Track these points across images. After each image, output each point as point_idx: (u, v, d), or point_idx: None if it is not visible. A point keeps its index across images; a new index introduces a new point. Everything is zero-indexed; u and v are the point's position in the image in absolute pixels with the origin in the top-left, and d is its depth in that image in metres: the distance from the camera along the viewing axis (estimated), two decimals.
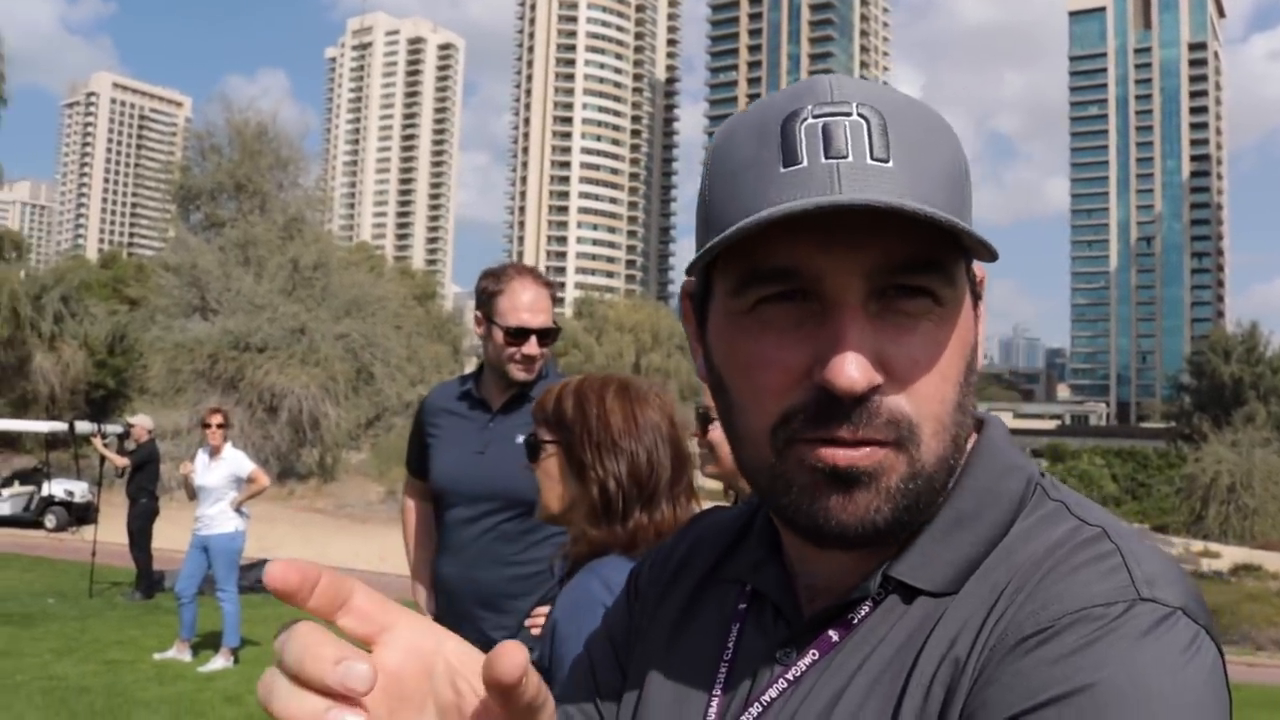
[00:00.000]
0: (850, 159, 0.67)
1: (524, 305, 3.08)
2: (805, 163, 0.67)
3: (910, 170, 0.67)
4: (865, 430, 0.69)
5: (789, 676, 0.75)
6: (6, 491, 24.70)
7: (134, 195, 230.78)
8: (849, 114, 0.68)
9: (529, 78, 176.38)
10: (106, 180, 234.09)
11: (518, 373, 3.12)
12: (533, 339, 3.08)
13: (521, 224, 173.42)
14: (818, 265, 0.68)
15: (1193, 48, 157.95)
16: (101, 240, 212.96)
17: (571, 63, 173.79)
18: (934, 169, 0.69)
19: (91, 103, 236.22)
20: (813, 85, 0.71)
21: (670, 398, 1.99)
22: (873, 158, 0.67)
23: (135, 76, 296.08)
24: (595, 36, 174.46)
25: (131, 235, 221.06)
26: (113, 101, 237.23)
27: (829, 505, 0.71)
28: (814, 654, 0.75)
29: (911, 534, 0.74)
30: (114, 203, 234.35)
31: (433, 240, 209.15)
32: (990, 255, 0.71)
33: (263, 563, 13.33)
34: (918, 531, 0.74)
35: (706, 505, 1.23)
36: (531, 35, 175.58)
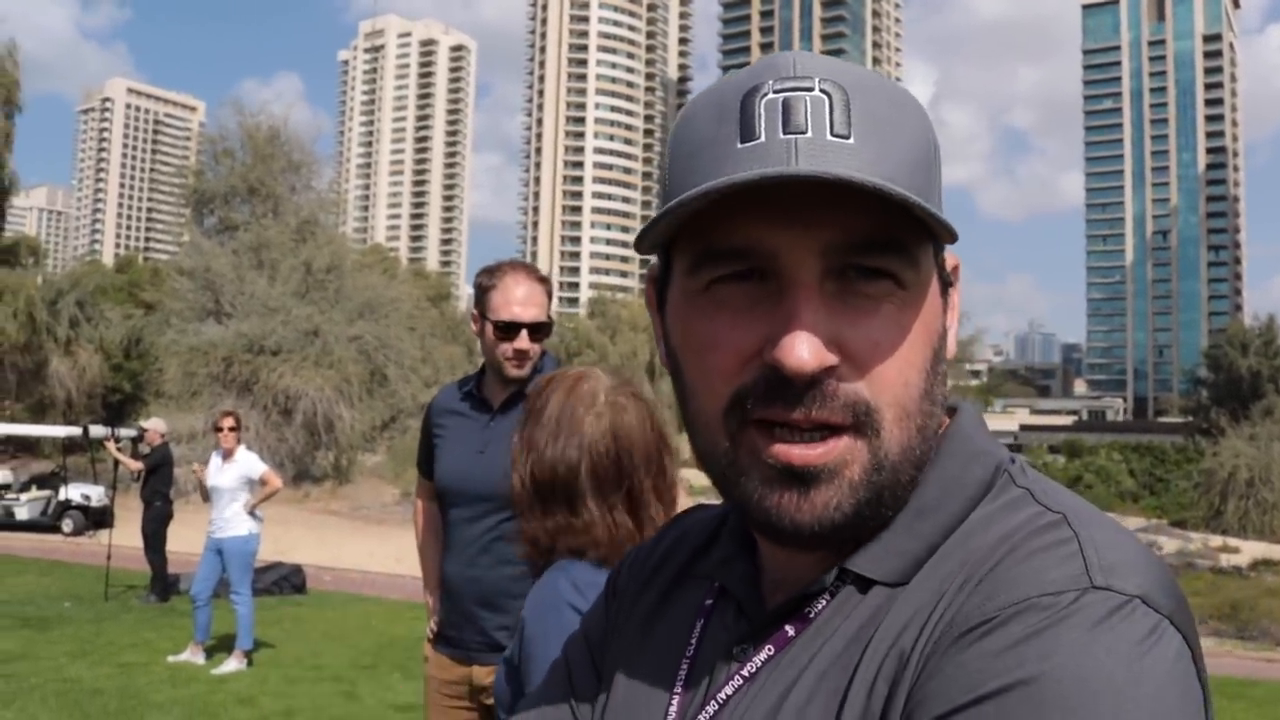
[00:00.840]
0: (809, 134, 0.65)
1: (515, 299, 3.07)
2: (763, 138, 0.65)
3: (872, 147, 0.65)
4: (819, 413, 0.67)
5: (744, 673, 0.74)
6: (24, 496, 24.85)
7: (149, 200, 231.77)
8: (810, 89, 0.66)
9: (541, 78, 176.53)
10: (122, 185, 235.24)
11: (510, 368, 3.10)
12: (523, 333, 3.07)
13: (535, 224, 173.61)
14: (772, 243, 0.67)
15: (1207, 39, 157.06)
16: (117, 245, 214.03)
17: (583, 63, 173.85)
18: (898, 147, 0.66)
19: (107, 109, 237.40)
20: (774, 61, 0.69)
21: (646, 400, 1.96)
22: (833, 133, 0.65)
23: (151, 82, 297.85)
24: (607, 36, 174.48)
25: (147, 240, 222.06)
26: (127, 107, 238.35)
27: (783, 502, 0.69)
28: (769, 649, 0.73)
29: (877, 528, 0.72)
30: (129, 207, 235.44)
31: (447, 242, 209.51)
32: (950, 236, 0.68)
33: (277, 565, 13.37)
34: (883, 525, 0.71)
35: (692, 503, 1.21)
36: (543, 36, 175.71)
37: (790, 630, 0.73)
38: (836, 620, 0.71)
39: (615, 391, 1.91)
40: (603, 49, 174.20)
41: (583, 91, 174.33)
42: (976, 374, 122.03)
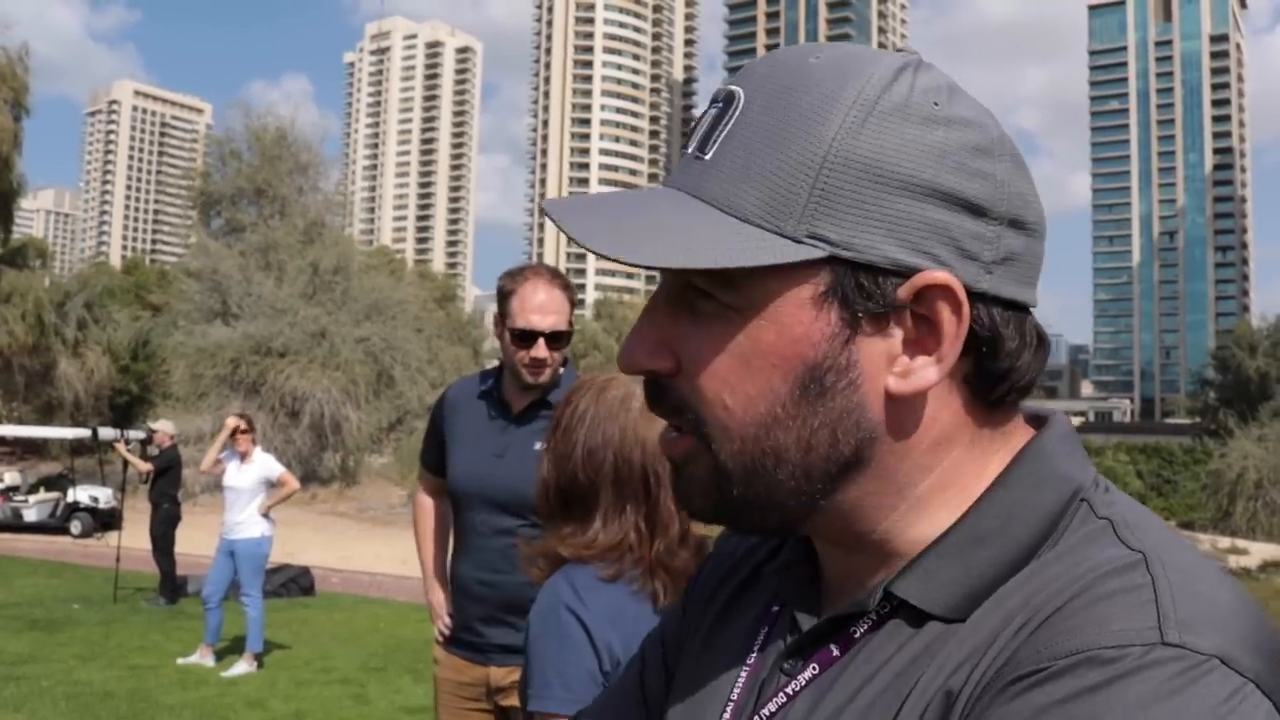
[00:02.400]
0: (690, 149, 0.68)
1: (533, 307, 3.01)
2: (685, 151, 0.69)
3: (724, 165, 0.65)
4: (656, 410, 0.71)
5: (788, 690, 0.71)
6: (33, 498, 24.88)
7: (156, 202, 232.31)
8: (718, 101, 0.68)
9: (547, 80, 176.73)
10: (129, 187, 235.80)
11: (525, 375, 3.06)
12: (540, 342, 3.01)
13: (541, 225, 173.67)
14: None
15: (1214, 39, 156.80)
16: (124, 247, 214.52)
17: (589, 64, 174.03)
18: (761, 161, 0.64)
19: (114, 111, 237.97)
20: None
21: None
22: (697, 149, 0.67)
23: (159, 84, 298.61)
24: (612, 38, 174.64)
25: (154, 241, 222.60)
26: (134, 109, 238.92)
27: (672, 485, 0.73)
28: (814, 668, 0.71)
29: (921, 549, 0.68)
30: (136, 210, 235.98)
31: (452, 243, 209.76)
32: (702, 274, 0.66)
33: (285, 568, 13.36)
34: (931, 546, 0.68)
35: None
36: (549, 37, 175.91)
37: (835, 650, 0.70)
38: (884, 651, 0.67)
39: (643, 397, 1.88)
40: (608, 50, 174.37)
41: (588, 93, 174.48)
42: None
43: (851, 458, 0.67)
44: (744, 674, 0.77)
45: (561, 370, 3.15)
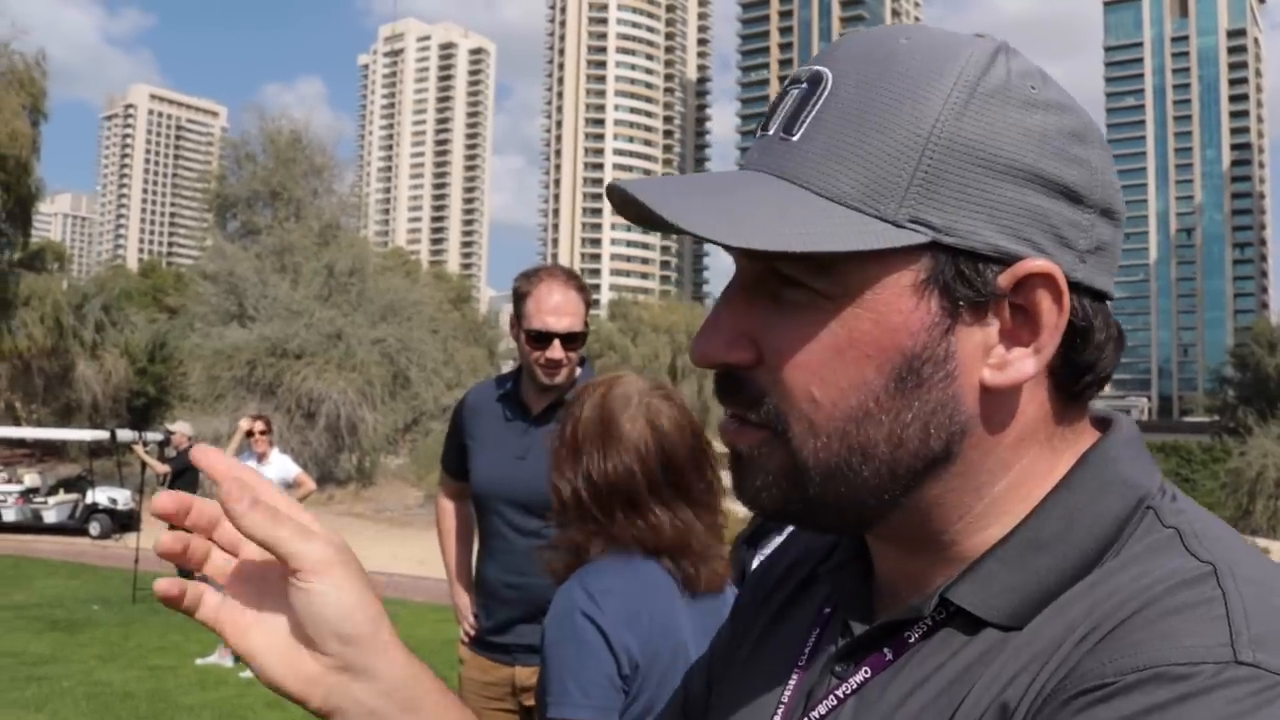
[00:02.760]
0: (770, 132, 0.65)
1: (549, 308, 3.02)
2: (758, 133, 0.67)
3: (815, 146, 0.63)
4: (730, 404, 0.68)
5: (839, 694, 0.70)
6: (52, 500, 25.05)
7: (172, 205, 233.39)
8: (801, 80, 0.65)
9: (560, 80, 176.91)
10: (145, 191, 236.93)
11: (541, 376, 3.06)
12: (556, 343, 3.02)
13: (556, 226, 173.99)
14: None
15: (1231, 35, 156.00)
16: (141, 250, 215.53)
17: (602, 64, 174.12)
18: (857, 143, 0.62)
19: (130, 115, 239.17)
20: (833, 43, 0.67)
21: (680, 401, 1.97)
22: (783, 131, 0.64)
23: (175, 88, 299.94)
24: (625, 38, 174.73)
25: (170, 244, 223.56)
26: (150, 113, 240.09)
27: (733, 478, 0.71)
28: (866, 672, 0.69)
29: (978, 552, 0.67)
30: (152, 213, 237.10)
31: (467, 244, 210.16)
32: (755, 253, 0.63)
33: None
34: (986, 551, 0.66)
35: None
36: (562, 38, 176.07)
37: (888, 654, 0.68)
38: (938, 658, 0.65)
39: (649, 394, 1.91)
40: (621, 50, 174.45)
41: (602, 93, 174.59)
42: None
43: (940, 454, 0.65)
44: (795, 677, 0.76)
45: (579, 371, 3.16)
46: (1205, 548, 0.61)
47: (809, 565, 0.85)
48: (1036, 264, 0.62)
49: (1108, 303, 0.68)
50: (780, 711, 0.75)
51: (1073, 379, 0.67)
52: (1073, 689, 0.55)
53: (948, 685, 0.63)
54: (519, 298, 3.09)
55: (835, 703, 0.70)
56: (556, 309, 3.02)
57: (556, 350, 3.02)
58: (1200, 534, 0.63)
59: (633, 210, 0.65)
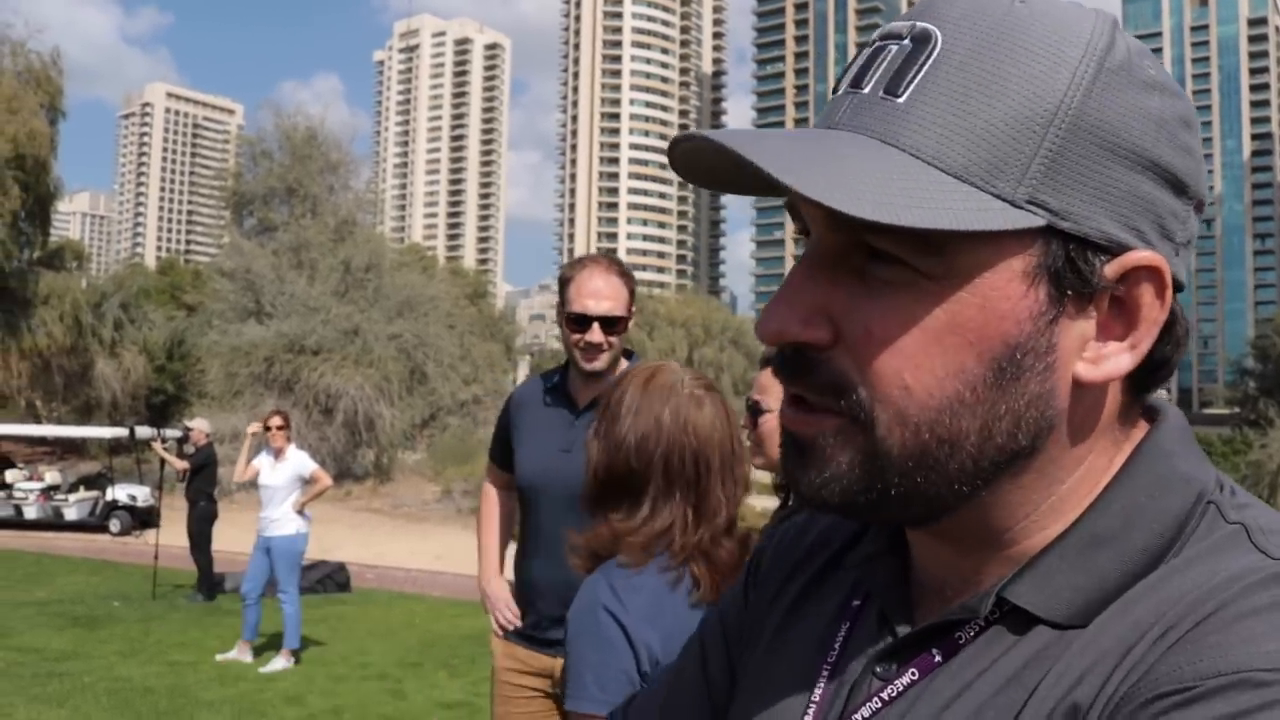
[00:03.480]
0: (865, 90, 0.60)
1: (588, 292, 3.03)
2: (841, 91, 0.61)
3: (926, 111, 0.57)
4: (797, 385, 0.62)
5: (884, 696, 0.66)
6: (72, 497, 25.18)
7: (189, 202, 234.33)
8: (903, 37, 0.60)
9: (576, 75, 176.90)
10: (162, 189, 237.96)
11: (581, 361, 3.06)
12: (595, 326, 3.02)
13: (572, 221, 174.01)
14: (802, 206, 0.62)
15: (1252, 23, 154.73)
16: (159, 248, 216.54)
17: (618, 59, 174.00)
18: (975, 113, 0.57)
19: (147, 113, 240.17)
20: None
21: (721, 399, 1.92)
22: (885, 91, 0.59)
23: (193, 86, 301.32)
24: (641, 32, 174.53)
25: (188, 242, 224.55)
26: (167, 111, 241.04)
27: (789, 469, 0.65)
28: (913, 674, 0.66)
29: (1036, 549, 0.64)
30: (170, 210, 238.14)
31: (483, 239, 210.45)
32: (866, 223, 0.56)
33: (321, 564, 13.44)
34: (1045, 548, 0.63)
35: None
36: (577, 33, 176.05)
37: (937, 656, 0.65)
38: (988, 655, 0.62)
39: (692, 384, 1.88)
40: (637, 44, 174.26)
41: (617, 87, 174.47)
42: None
43: (1025, 448, 0.62)
44: (825, 674, 0.72)
45: (626, 364, 3.14)
46: (1275, 544, 0.59)
47: (830, 550, 0.82)
48: (1144, 256, 0.60)
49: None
50: (812, 711, 0.71)
51: (1149, 374, 0.64)
52: (1149, 692, 0.53)
53: (1004, 685, 0.60)
54: (563, 284, 3.12)
55: (880, 705, 0.66)
56: (596, 293, 3.03)
57: (595, 334, 3.02)
58: (1267, 529, 0.61)
59: (704, 165, 0.61)
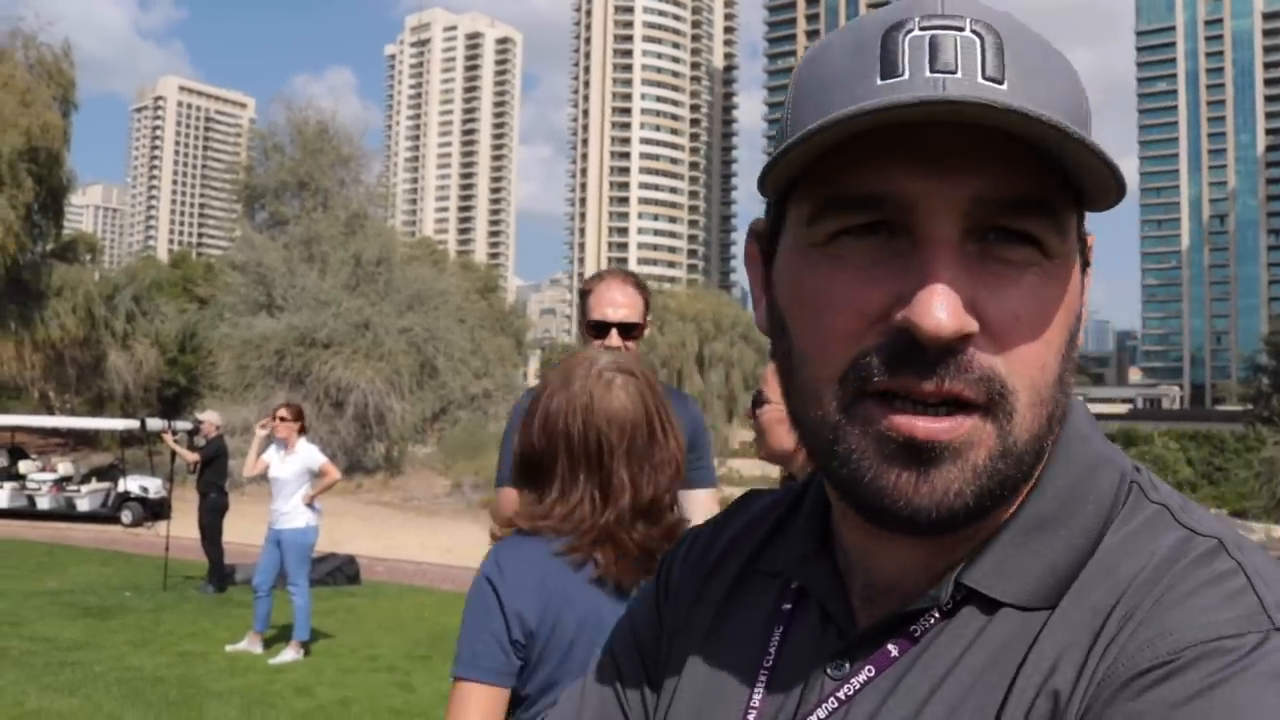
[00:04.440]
0: (959, 75, 0.57)
1: (606, 301, 3.19)
2: (906, 75, 0.58)
3: (1028, 96, 0.57)
4: (952, 384, 0.59)
5: (840, 695, 0.66)
6: (85, 488, 25.30)
7: (201, 196, 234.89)
8: (960, 29, 0.59)
9: (587, 69, 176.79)
10: (175, 182, 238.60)
11: None
12: (613, 333, 3.16)
13: (583, 215, 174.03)
14: (911, 191, 0.59)
15: (1267, 17, 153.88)
16: (171, 241, 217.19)
17: (629, 53, 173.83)
18: (1055, 100, 0.58)
19: (159, 106, 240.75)
20: (920, 0, 0.61)
21: (643, 384, 1.92)
22: (984, 76, 0.57)
23: (206, 80, 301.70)
24: (652, 26, 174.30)
25: (200, 235, 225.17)
26: (179, 105, 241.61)
27: (900, 482, 0.60)
28: (869, 670, 0.65)
29: (985, 536, 0.64)
30: (182, 204, 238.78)
31: (495, 234, 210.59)
32: (1118, 192, 0.59)
33: (331, 556, 13.48)
34: (993, 533, 0.64)
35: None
36: (588, 27, 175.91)
37: (893, 650, 0.65)
38: (956, 645, 0.63)
39: (605, 367, 1.90)
40: (648, 39, 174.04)
41: (628, 82, 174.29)
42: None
43: (1060, 423, 0.64)
44: (761, 679, 0.72)
45: None
46: (1195, 520, 0.63)
47: (743, 556, 0.81)
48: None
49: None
50: (752, 716, 0.70)
51: None
52: (1128, 671, 0.55)
53: (979, 675, 0.61)
54: (583, 296, 3.28)
55: (836, 705, 0.66)
56: (613, 301, 3.19)
57: (614, 339, 3.16)
58: (1185, 508, 0.64)
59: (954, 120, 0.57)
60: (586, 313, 3.24)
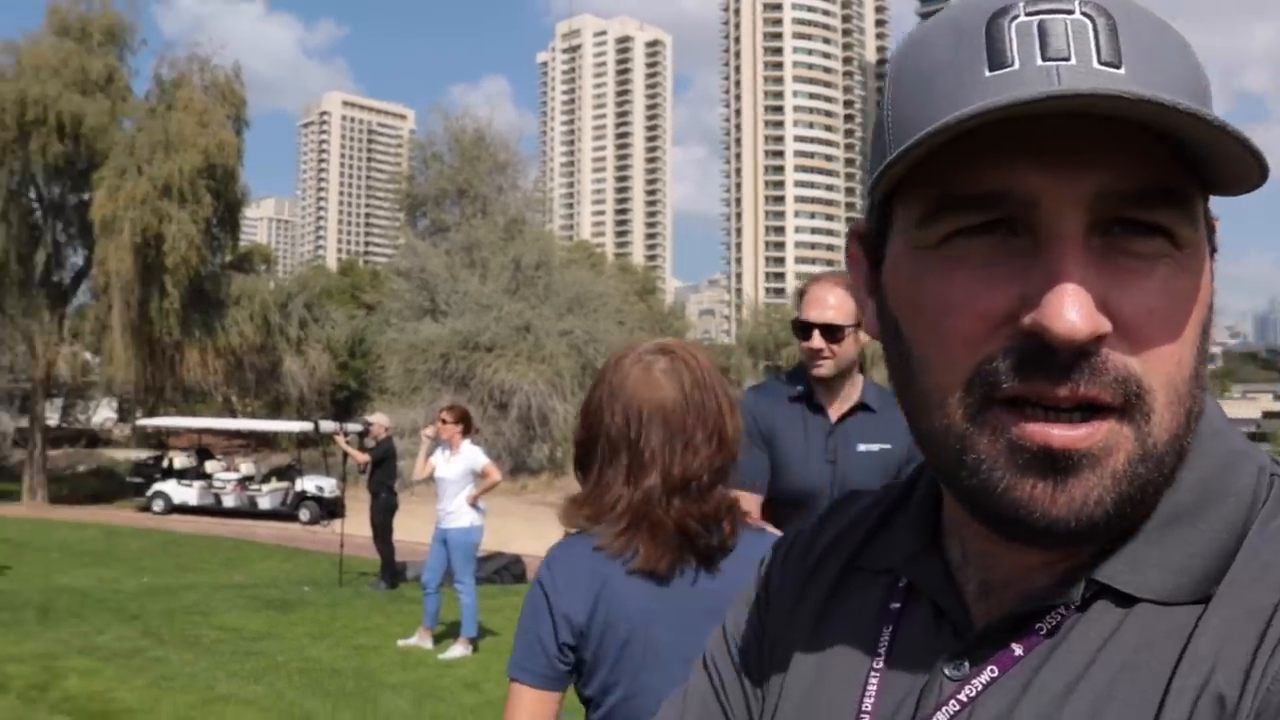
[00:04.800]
0: (1073, 61, 0.54)
1: (811, 301, 3.19)
2: (1017, 65, 0.55)
3: (1148, 79, 0.54)
4: (1087, 388, 0.55)
5: (962, 696, 0.62)
6: (265, 487, 26.54)
7: (367, 205, 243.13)
8: (1070, 12, 0.56)
9: (737, 68, 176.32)
10: (341, 193, 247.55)
11: (810, 367, 3.19)
12: (815, 333, 3.14)
13: (739, 215, 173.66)
14: (1032, 187, 0.56)
15: None
16: (339, 249, 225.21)
17: (779, 51, 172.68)
18: (1176, 81, 0.55)
19: (325, 121, 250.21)
20: None
21: (683, 358, 1.88)
22: (1100, 61, 0.54)
23: (368, 94, 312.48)
24: (801, 23, 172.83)
25: (366, 243, 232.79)
26: (343, 119, 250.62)
27: (1034, 493, 0.57)
28: (992, 670, 0.62)
29: (1125, 532, 0.61)
30: (349, 214, 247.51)
31: (651, 236, 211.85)
32: (1261, 175, 0.55)
33: (497, 555, 13.75)
34: (1130, 529, 0.61)
35: None
36: (737, 26, 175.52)
37: (1017, 649, 0.62)
38: (1089, 643, 0.60)
39: (646, 353, 1.88)
40: (798, 35, 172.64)
41: (780, 80, 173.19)
42: (1211, 358, 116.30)
43: (1197, 420, 0.61)
44: (874, 682, 0.69)
45: (860, 380, 3.26)
46: None
47: (845, 554, 0.78)
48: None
49: None
50: (867, 719, 0.68)
51: None
52: None
53: (1123, 670, 0.58)
54: (798, 296, 3.32)
55: (958, 707, 0.63)
56: (819, 302, 3.19)
57: (816, 340, 3.15)
58: None
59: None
60: (797, 314, 3.27)
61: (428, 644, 9.26)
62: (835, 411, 3.23)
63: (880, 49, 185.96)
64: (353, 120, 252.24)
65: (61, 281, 32.75)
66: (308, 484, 25.64)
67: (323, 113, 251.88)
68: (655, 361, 1.85)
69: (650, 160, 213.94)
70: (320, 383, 37.47)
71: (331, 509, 23.16)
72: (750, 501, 3.38)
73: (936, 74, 0.58)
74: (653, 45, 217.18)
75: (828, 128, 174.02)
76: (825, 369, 3.17)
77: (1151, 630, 0.58)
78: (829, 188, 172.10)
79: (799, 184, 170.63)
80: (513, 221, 39.19)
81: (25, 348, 31.74)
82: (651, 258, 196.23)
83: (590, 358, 36.73)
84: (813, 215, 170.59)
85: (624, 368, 1.86)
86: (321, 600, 11.63)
